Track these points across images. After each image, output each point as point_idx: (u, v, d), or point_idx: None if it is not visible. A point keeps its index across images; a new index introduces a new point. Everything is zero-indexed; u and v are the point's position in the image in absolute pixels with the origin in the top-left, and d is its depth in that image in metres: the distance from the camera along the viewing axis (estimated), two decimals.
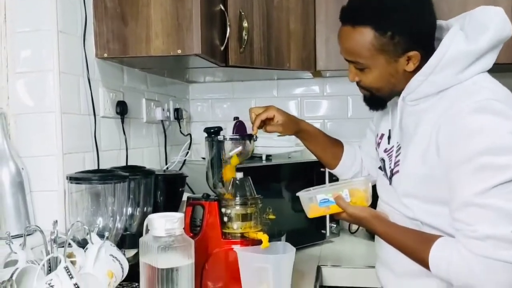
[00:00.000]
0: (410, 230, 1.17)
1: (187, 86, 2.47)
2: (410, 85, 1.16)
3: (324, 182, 1.94)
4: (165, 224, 1.08)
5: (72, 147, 1.40)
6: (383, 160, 1.30)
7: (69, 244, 1.10)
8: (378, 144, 1.34)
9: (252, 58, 1.83)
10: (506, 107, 1.04)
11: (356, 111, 2.34)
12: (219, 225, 1.32)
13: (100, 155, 1.54)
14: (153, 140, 1.98)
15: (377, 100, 1.24)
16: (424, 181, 1.14)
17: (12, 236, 1.04)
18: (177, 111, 2.18)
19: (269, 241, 1.27)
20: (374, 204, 1.30)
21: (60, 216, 1.31)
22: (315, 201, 1.27)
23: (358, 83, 1.23)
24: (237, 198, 1.33)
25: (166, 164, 2.05)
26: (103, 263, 1.11)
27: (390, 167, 1.25)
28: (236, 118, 2.08)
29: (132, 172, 1.36)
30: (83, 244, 1.16)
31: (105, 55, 1.53)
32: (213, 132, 1.40)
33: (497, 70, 1.14)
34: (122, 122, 1.69)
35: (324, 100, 2.40)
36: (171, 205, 1.55)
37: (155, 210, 1.42)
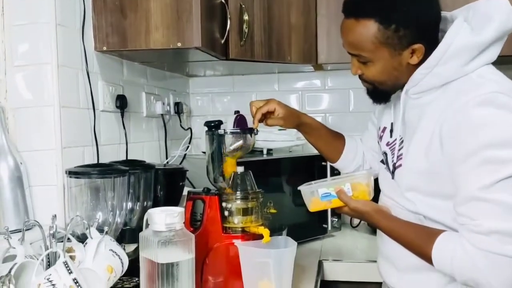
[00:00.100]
0: (412, 225, 1.16)
1: (187, 79, 2.46)
2: (414, 78, 1.15)
3: (325, 176, 1.93)
4: (165, 219, 1.08)
5: (71, 141, 1.39)
6: (385, 153, 1.28)
7: (68, 239, 1.09)
8: (380, 137, 1.33)
9: (253, 51, 1.81)
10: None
11: (357, 105, 2.33)
12: (219, 219, 1.31)
13: (100, 149, 1.53)
14: (153, 134, 1.97)
15: (380, 93, 1.23)
16: (427, 175, 1.13)
17: (11, 231, 1.03)
18: (177, 105, 2.17)
19: (270, 235, 1.27)
20: (376, 198, 1.29)
21: (59, 210, 1.31)
22: (317, 195, 1.26)
23: (360, 77, 1.22)
24: (238, 193, 1.32)
25: (167, 158, 2.05)
26: (103, 258, 1.10)
27: (392, 160, 1.24)
28: (236, 112, 2.08)
29: (132, 167, 1.36)
30: (82, 239, 1.15)
31: (104, 48, 1.52)
32: (213, 126, 1.39)
33: (500, 62, 1.13)
34: (122, 116, 1.68)
35: (325, 94, 2.39)
36: (172, 199, 1.55)
37: (155, 204, 1.42)
